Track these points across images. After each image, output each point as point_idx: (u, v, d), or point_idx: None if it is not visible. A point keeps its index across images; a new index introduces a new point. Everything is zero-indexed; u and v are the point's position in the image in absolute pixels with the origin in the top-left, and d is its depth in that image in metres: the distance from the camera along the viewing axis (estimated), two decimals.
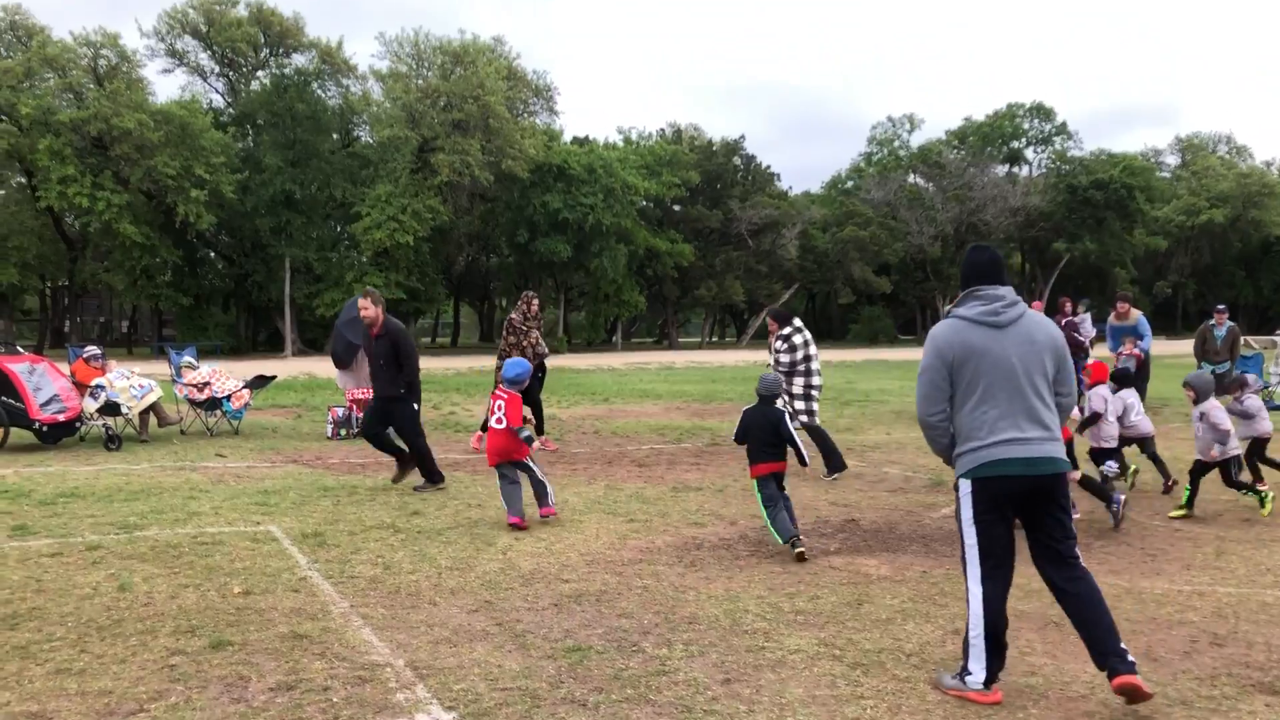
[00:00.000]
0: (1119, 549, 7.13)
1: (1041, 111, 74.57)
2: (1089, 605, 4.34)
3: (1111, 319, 15.71)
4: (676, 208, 60.79)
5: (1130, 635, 5.12)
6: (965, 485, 4.37)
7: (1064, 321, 17.12)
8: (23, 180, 45.89)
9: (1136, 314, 15.49)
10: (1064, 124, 74.37)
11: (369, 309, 9.51)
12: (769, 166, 64.82)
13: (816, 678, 4.54)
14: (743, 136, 65.28)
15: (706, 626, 5.28)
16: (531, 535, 7.52)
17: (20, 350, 14.03)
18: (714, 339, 79.46)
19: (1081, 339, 16.95)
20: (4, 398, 12.11)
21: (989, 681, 4.32)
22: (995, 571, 4.38)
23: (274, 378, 16.15)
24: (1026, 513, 4.40)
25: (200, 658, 4.78)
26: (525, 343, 12.34)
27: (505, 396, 8.18)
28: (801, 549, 6.78)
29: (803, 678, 4.54)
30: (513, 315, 12.63)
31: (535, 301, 12.80)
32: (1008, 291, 4.45)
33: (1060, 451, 4.37)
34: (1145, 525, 7.94)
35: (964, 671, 4.36)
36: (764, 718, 4.08)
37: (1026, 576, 6.26)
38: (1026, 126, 75.38)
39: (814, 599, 5.81)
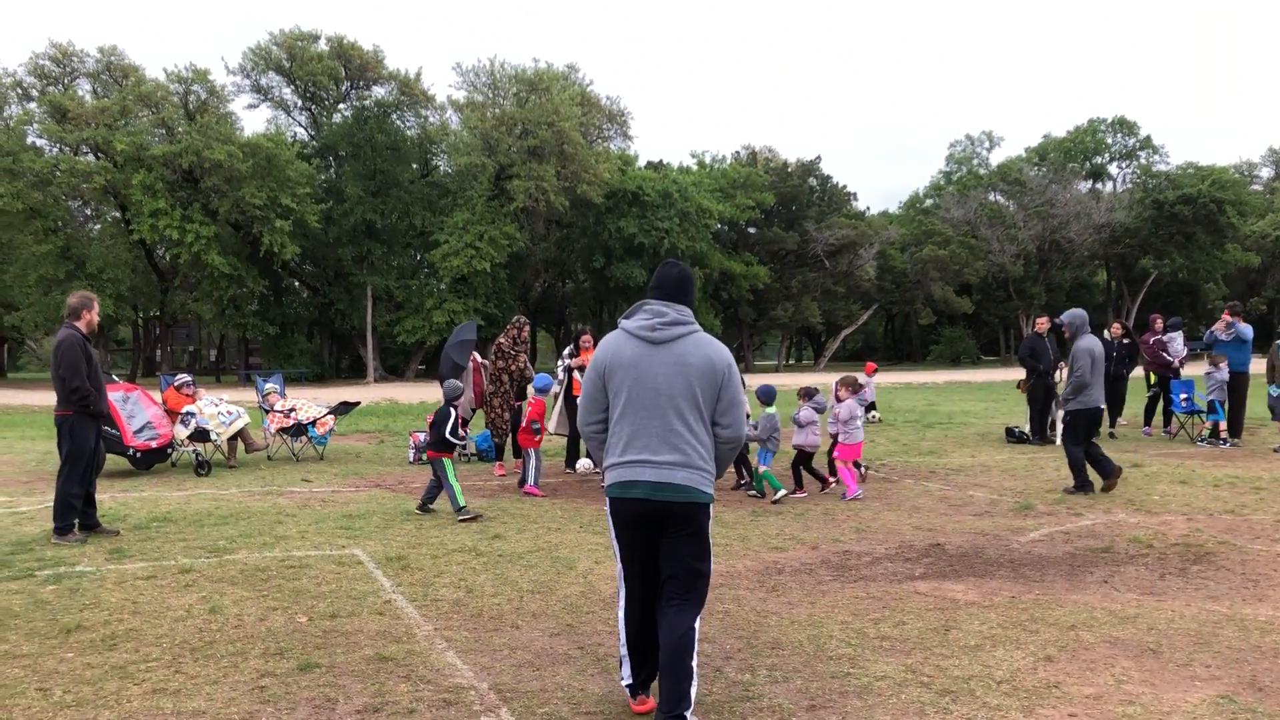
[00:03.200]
0: (1217, 574, 6.89)
1: (1124, 125, 72.87)
2: (672, 651, 4.11)
3: (1221, 328, 15.38)
4: (751, 230, 60.66)
5: (1233, 664, 4.94)
6: (607, 502, 4.33)
7: (1153, 340, 16.65)
8: (117, 215, 47.50)
9: (1243, 325, 15.21)
10: (1148, 138, 72.54)
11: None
12: (845, 186, 64.45)
13: (904, 705, 4.45)
14: (818, 157, 65.05)
15: (790, 652, 5.22)
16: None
17: (115, 379, 14.48)
18: (790, 361, 78.95)
19: (1170, 359, 16.46)
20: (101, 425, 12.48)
21: (636, 688, 4.36)
22: (638, 587, 4.34)
23: (357, 404, 16.42)
24: (664, 539, 4.23)
25: (289, 679, 4.85)
26: (513, 366, 12.65)
27: (533, 402, 11.20)
28: (418, 508, 9.60)
29: (889, 705, 4.45)
30: (501, 340, 12.90)
31: (526, 328, 13.06)
32: (676, 310, 4.28)
33: (697, 481, 4.15)
34: (1244, 549, 7.66)
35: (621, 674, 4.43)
36: None
37: (1120, 603, 6.10)
38: (1109, 141, 73.70)
39: (900, 625, 5.70)
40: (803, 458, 10.86)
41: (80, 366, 8.27)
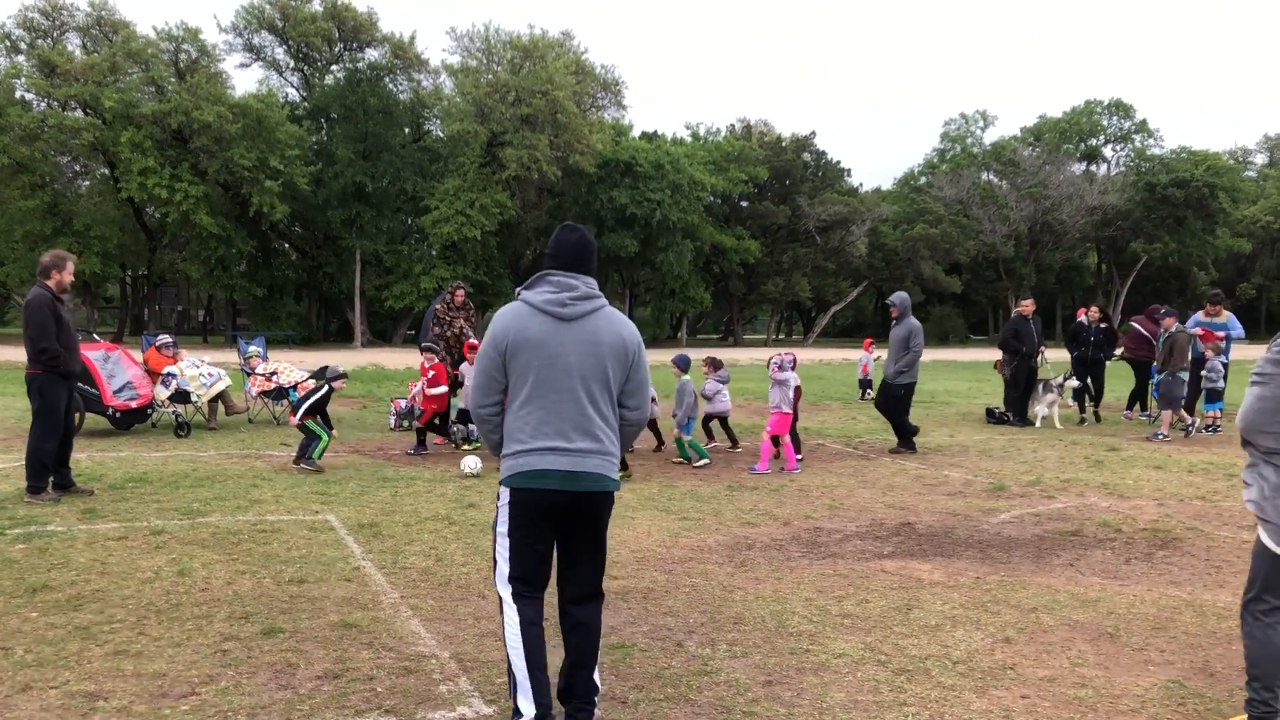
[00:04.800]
0: (1182, 559, 6.95)
1: (1120, 108, 72.83)
2: (588, 648, 3.92)
3: (1200, 316, 15.43)
4: (744, 204, 60.51)
5: (1188, 649, 5.00)
6: (504, 493, 3.87)
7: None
8: (106, 172, 47.12)
9: (1227, 314, 15.33)
10: (1144, 121, 72.59)
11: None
12: (840, 162, 64.25)
13: (859, 683, 4.50)
14: (813, 132, 64.77)
15: (752, 627, 5.26)
16: None
17: (96, 338, 14.45)
18: (780, 336, 79.00)
19: None
20: (80, 384, 12.46)
21: (542, 717, 3.81)
22: (528, 592, 3.87)
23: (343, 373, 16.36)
24: (564, 532, 3.90)
25: (252, 644, 4.88)
26: (449, 332, 12.83)
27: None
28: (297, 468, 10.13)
29: (845, 682, 4.50)
30: (436, 305, 13.12)
31: (459, 293, 13.22)
32: (584, 282, 3.91)
33: (610, 469, 3.87)
34: (1211, 535, 7.72)
35: (515, 714, 3.84)
36: None
37: (1084, 586, 6.15)
38: (1105, 123, 73.68)
39: (863, 603, 5.75)
40: (714, 419, 12.27)
41: (49, 327, 8.22)
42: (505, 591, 3.87)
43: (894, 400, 12.28)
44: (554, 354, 3.79)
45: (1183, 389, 14.10)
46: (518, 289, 3.95)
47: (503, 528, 3.87)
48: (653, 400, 11.31)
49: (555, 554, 3.96)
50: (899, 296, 12.37)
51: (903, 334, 12.05)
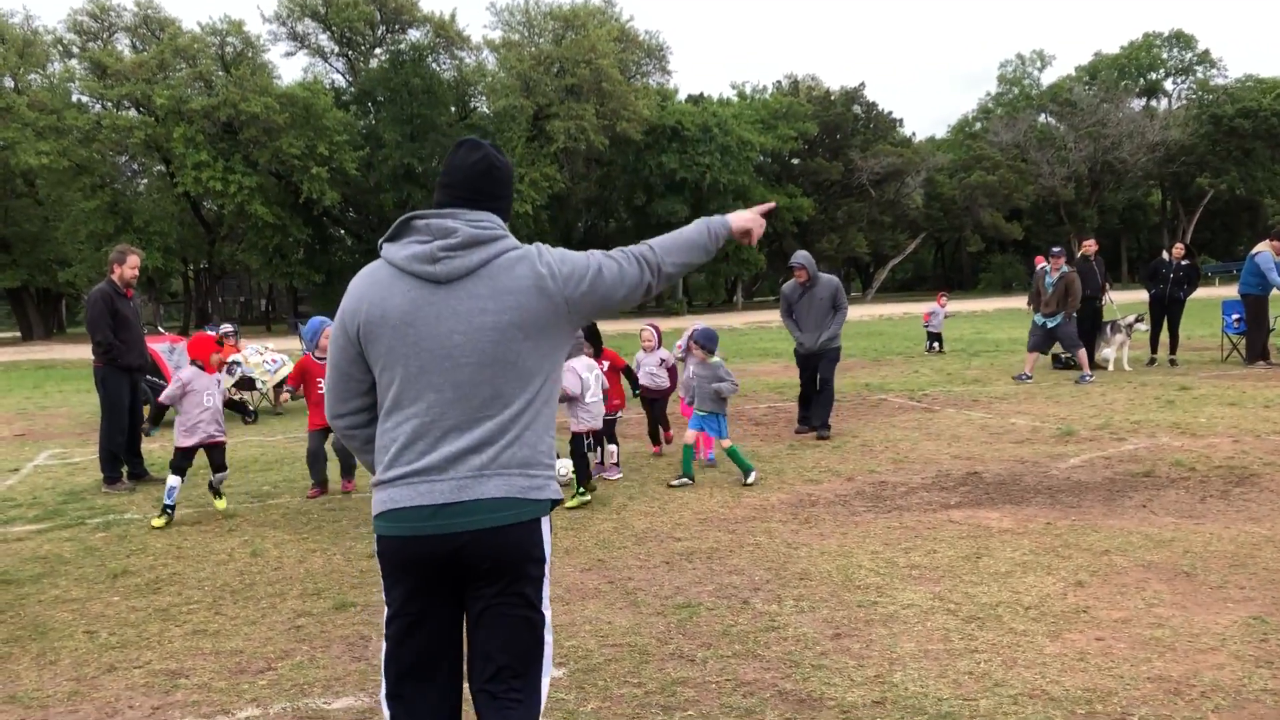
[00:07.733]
0: (1260, 495, 6.77)
1: (1181, 39, 70.61)
2: None
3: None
4: (795, 161, 59.92)
5: (1269, 585, 4.89)
6: (376, 541, 2.58)
7: None
8: (162, 168, 48.01)
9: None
10: (1206, 51, 70.25)
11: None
12: (891, 113, 63.24)
13: (929, 632, 4.45)
14: (862, 84, 63.84)
15: (818, 582, 5.23)
16: (645, 495, 7.56)
17: (161, 331, 14.75)
18: None
19: None
20: (149, 376, 12.74)
21: None
22: (411, 687, 2.57)
23: None
24: (465, 595, 2.56)
25: (324, 619, 4.96)
26: None
27: None
28: None
29: (914, 632, 4.45)
30: None
31: None
32: (469, 221, 2.51)
33: (525, 488, 2.50)
34: None
35: None
36: (873, 672, 4.02)
37: (1157, 526, 6.02)
38: (1165, 56, 71.50)
39: (930, 553, 5.69)
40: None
41: (101, 321, 8.47)
42: (383, 688, 2.63)
43: (835, 364, 10.39)
44: (426, 334, 2.46)
45: (1075, 329, 13.86)
46: (381, 241, 2.63)
47: (383, 585, 2.61)
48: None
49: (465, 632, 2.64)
50: (803, 256, 10.39)
51: (828, 295, 10.21)
